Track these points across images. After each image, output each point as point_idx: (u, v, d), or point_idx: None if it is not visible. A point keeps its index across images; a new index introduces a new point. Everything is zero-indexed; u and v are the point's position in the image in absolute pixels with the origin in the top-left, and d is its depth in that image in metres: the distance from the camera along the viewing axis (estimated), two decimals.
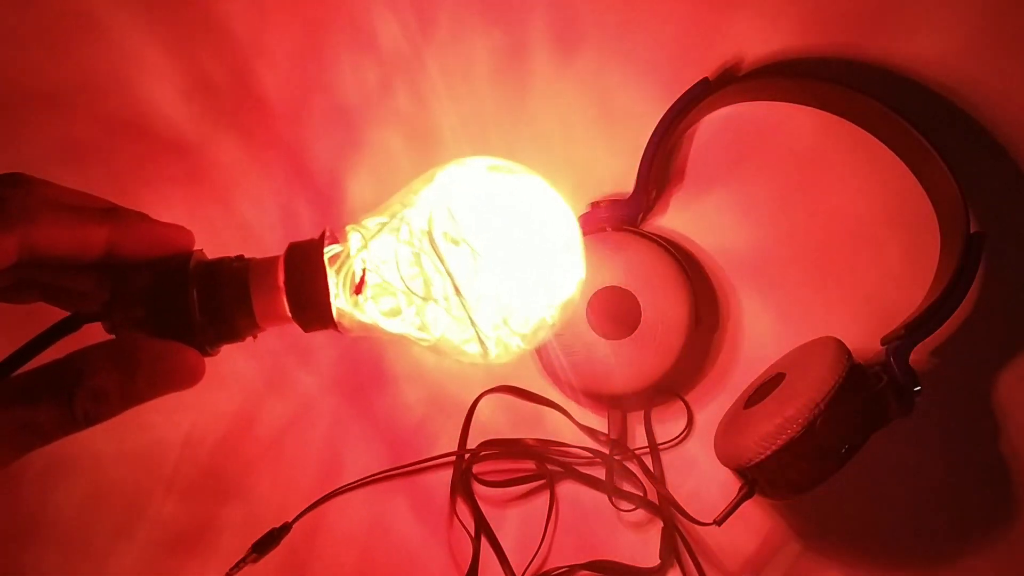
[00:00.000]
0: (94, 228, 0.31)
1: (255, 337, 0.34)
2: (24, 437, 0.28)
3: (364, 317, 0.35)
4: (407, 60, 0.57)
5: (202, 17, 0.58)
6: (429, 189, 0.37)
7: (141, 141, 0.57)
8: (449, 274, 0.35)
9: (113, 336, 0.32)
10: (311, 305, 0.33)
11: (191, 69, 0.58)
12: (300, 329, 0.34)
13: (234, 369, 0.56)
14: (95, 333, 0.31)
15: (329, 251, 0.34)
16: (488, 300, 0.36)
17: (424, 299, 0.35)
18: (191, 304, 0.32)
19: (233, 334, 0.33)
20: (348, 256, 0.35)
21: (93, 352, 0.29)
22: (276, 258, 0.33)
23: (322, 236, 0.34)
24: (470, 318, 0.35)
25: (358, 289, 0.35)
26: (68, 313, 0.32)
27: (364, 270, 0.35)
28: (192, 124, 0.58)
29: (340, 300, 0.34)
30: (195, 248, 0.34)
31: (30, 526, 0.54)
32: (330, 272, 0.34)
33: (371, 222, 0.36)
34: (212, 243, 0.34)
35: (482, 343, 0.36)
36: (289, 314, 0.33)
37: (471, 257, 0.35)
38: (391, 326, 0.36)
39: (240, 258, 0.34)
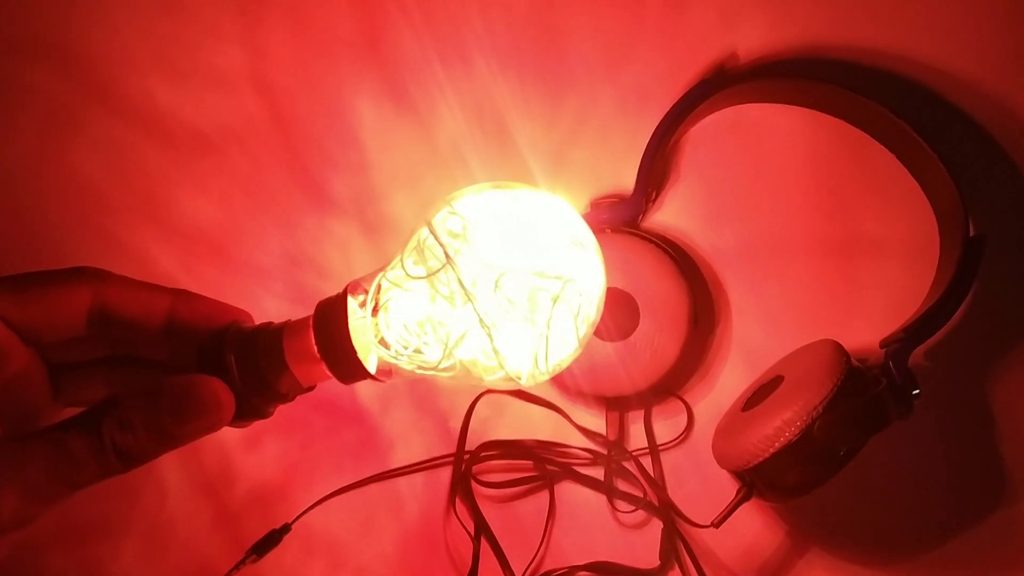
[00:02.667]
0: (160, 295, 0.34)
1: (308, 391, 0.36)
2: (60, 467, 0.29)
3: (398, 363, 0.37)
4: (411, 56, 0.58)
5: None
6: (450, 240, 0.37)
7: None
8: (491, 338, 0.35)
9: None
10: (344, 363, 0.34)
11: None
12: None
13: None
14: None
15: (356, 299, 0.36)
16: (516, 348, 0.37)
17: (445, 361, 0.36)
18: (231, 372, 0.33)
19: (280, 396, 0.35)
20: (377, 307, 0.36)
21: (124, 391, 0.31)
22: (307, 320, 0.35)
23: (345, 292, 0.35)
24: (504, 369, 0.36)
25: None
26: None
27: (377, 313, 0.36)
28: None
29: (375, 355, 0.36)
30: (248, 319, 0.36)
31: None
32: (365, 320, 0.35)
33: (396, 273, 0.37)
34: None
35: (514, 380, 0.37)
36: (329, 374, 0.35)
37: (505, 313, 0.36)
38: (424, 370, 0.37)
39: (272, 324, 0.35)
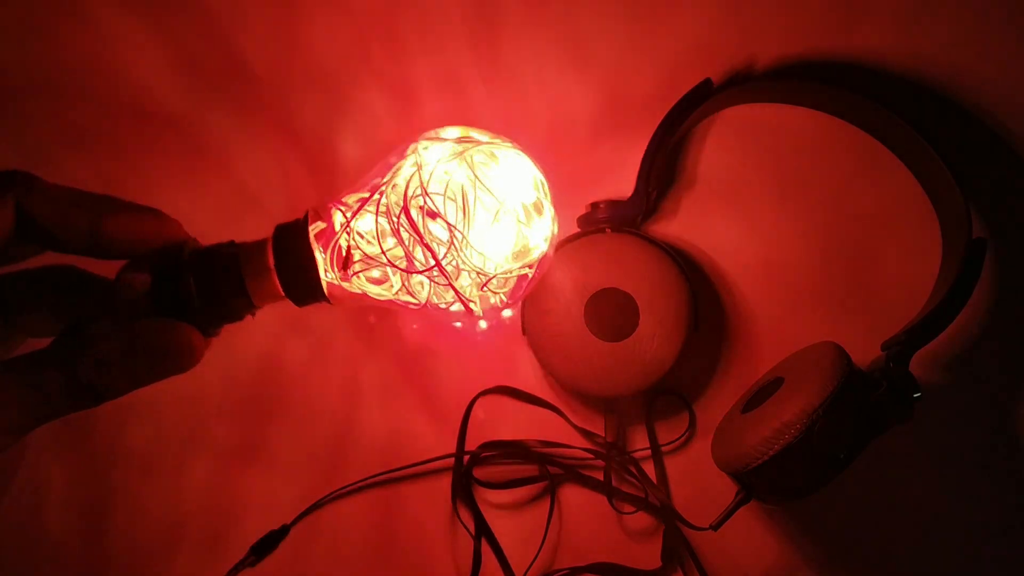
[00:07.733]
0: (82, 212, 0.33)
1: (253, 315, 0.36)
2: (33, 402, 0.29)
3: (353, 288, 0.38)
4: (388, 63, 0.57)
5: None
6: (405, 165, 0.39)
7: (138, 120, 0.58)
8: (428, 247, 0.37)
9: None
10: (301, 282, 0.35)
11: (176, 46, 0.58)
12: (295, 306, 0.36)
13: (233, 366, 0.56)
14: None
15: (314, 228, 0.36)
16: (466, 268, 0.39)
17: (406, 271, 0.38)
18: (190, 292, 0.33)
19: (232, 315, 0.35)
20: (333, 233, 0.37)
21: (99, 323, 0.31)
22: (264, 240, 0.35)
23: (306, 216, 0.36)
24: (452, 286, 0.38)
25: (345, 264, 0.37)
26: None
27: (348, 246, 0.37)
28: (184, 99, 0.58)
29: (328, 275, 0.37)
30: (186, 236, 0.35)
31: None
32: (317, 249, 0.36)
33: (352, 199, 0.38)
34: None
35: (466, 306, 0.39)
36: (282, 292, 0.35)
37: (446, 230, 0.38)
38: (379, 294, 0.39)
39: (231, 244, 0.35)
